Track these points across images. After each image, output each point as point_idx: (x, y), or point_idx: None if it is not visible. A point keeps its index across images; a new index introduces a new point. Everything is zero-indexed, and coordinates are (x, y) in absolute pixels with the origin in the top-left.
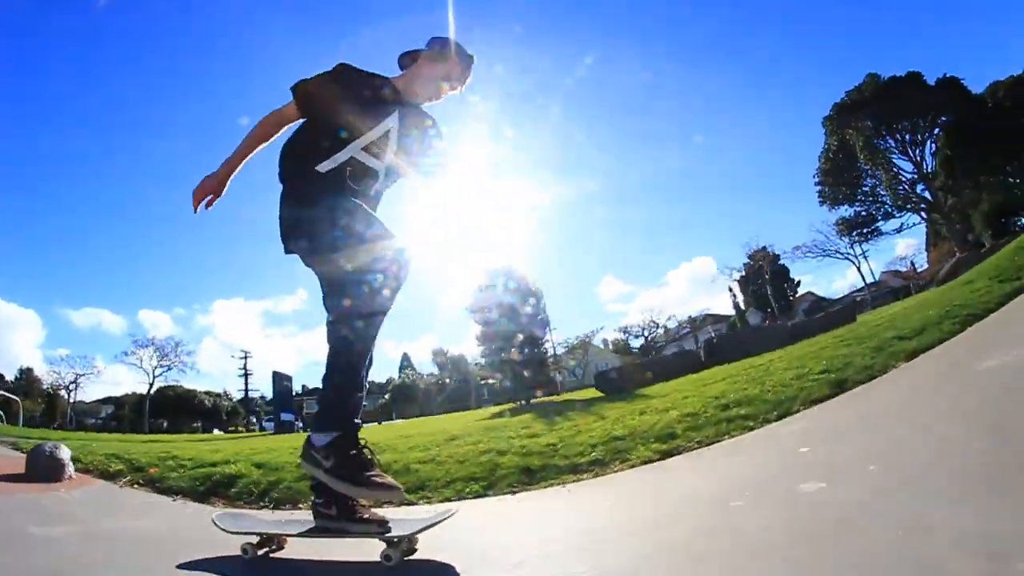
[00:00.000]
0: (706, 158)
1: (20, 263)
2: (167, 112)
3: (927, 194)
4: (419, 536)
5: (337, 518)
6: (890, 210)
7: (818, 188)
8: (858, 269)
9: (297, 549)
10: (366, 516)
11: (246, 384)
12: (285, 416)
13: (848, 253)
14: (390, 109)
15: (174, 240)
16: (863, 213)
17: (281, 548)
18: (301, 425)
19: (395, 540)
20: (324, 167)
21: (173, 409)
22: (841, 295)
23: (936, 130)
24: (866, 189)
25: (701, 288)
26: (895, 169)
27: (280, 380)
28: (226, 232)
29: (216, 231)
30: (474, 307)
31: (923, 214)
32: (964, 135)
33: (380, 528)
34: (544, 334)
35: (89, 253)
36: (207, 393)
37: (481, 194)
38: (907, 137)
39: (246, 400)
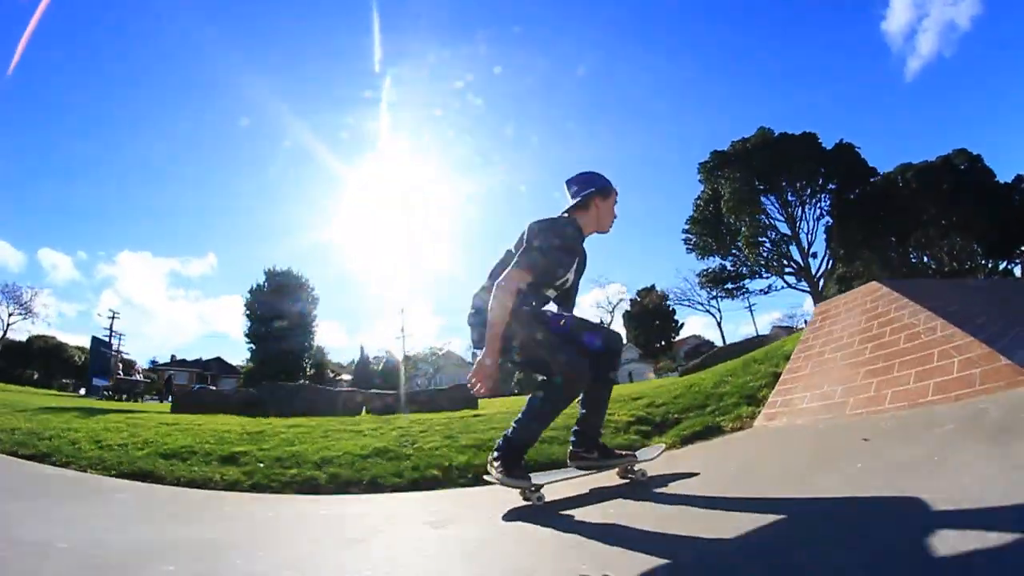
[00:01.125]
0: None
1: None
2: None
3: (798, 258)
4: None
5: (598, 459)
6: (758, 268)
7: (684, 236)
8: (718, 324)
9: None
10: (619, 452)
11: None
12: (98, 381)
13: (708, 306)
14: (579, 248)
15: (89, 173)
16: (730, 268)
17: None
18: (108, 393)
19: (637, 467)
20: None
21: (44, 361)
22: (737, 342)
23: (824, 196)
24: (739, 244)
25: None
26: (765, 228)
27: (98, 345)
28: (146, 177)
29: (136, 174)
30: None
31: (787, 278)
32: (856, 205)
33: (631, 458)
34: None
35: None
36: (79, 348)
37: None
38: (789, 197)
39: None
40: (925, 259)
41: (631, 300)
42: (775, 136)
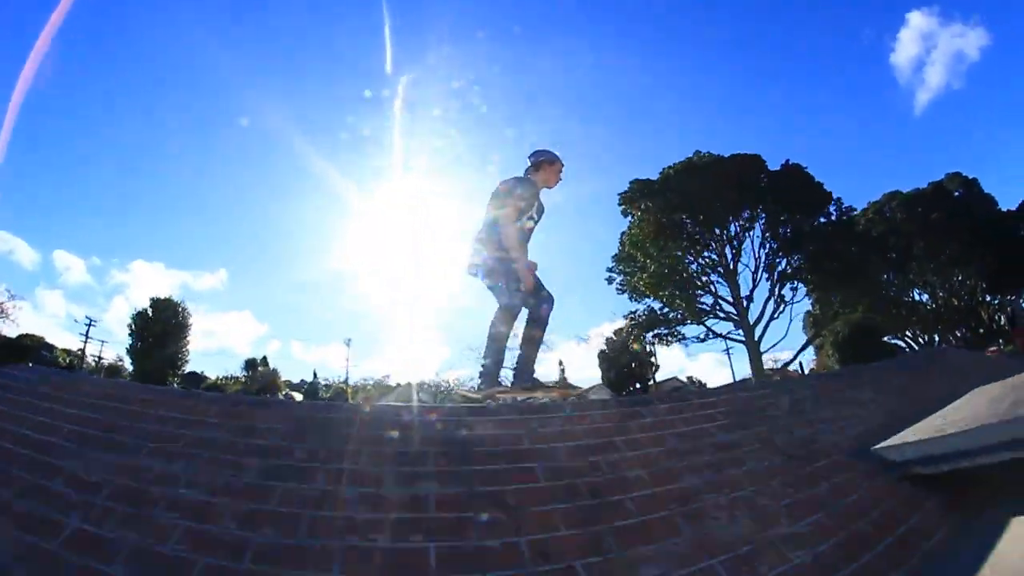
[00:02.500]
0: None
1: None
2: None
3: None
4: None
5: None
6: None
7: (608, 275)
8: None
9: None
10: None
11: (82, 354)
12: None
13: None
14: (537, 199)
15: (110, 181)
16: (658, 311)
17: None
18: None
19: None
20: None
21: (26, 359)
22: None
23: (782, 228)
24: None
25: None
26: (677, 267)
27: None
28: (166, 192)
29: (156, 187)
30: None
31: (716, 325)
32: (828, 238)
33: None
34: None
35: (20, 172)
36: (65, 351)
37: None
38: (732, 229)
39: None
40: (919, 296)
41: (606, 339)
42: (707, 159)
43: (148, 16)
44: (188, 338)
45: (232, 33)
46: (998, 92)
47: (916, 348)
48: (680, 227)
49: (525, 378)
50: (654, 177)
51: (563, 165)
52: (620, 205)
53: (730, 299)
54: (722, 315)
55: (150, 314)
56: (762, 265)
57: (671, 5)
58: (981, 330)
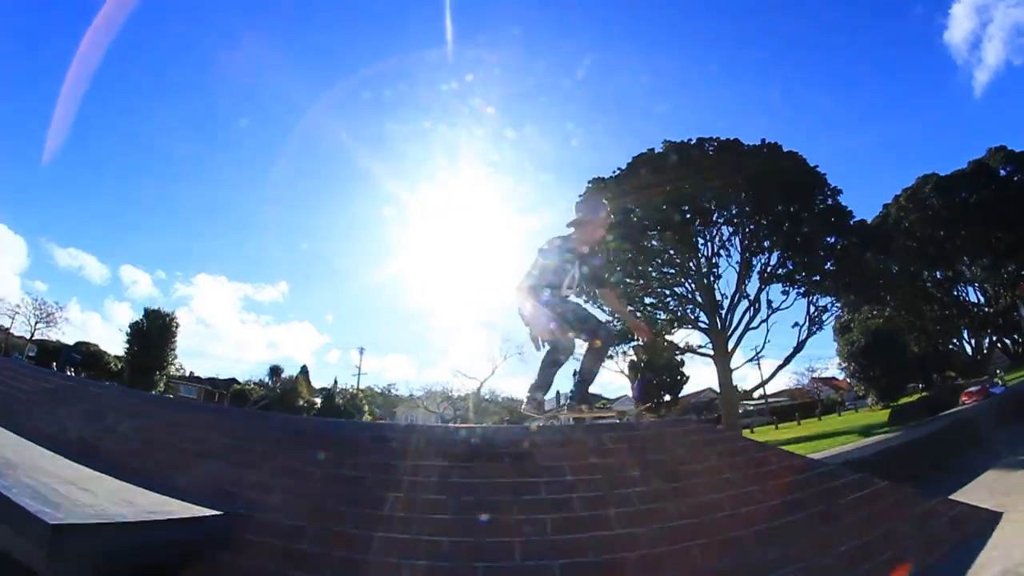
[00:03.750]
0: None
1: (17, 188)
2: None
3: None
4: None
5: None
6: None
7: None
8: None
9: None
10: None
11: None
12: None
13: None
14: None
15: (176, 196)
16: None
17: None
18: None
19: None
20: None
21: (85, 365)
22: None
23: (778, 225)
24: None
25: None
26: (656, 274)
27: (70, 352)
28: (229, 208)
29: (220, 203)
30: None
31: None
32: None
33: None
34: None
35: (91, 190)
36: (117, 357)
37: None
38: (714, 234)
39: None
40: (973, 294)
41: (634, 348)
42: (673, 147)
43: (211, 31)
44: (175, 343)
45: (286, 45)
46: None
47: (969, 353)
48: (638, 228)
49: (581, 398)
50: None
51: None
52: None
53: (702, 305)
54: (695, 325)
55: (143, 323)
56: (737, 265)
57: None
58: None
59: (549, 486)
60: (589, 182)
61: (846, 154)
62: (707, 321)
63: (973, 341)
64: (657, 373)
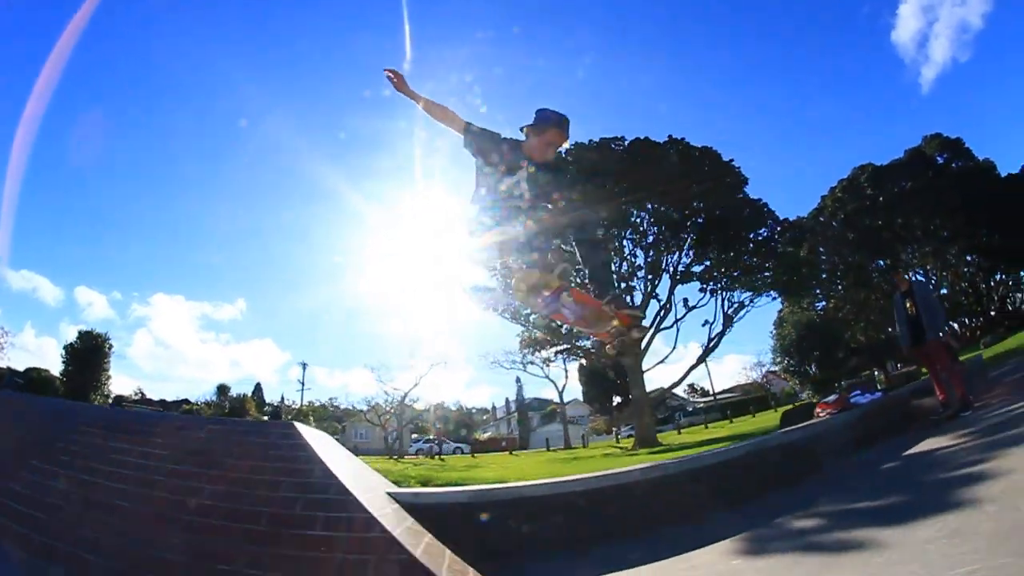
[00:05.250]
0: None
1: None
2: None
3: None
4: None
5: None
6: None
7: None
8: (558, 391)
9: None
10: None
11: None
12: None
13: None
14: (519, 164)
15: (129, 217)
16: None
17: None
18: None
19: None
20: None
21: (31, 389)
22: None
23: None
24: None
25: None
26: None
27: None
28: (182, 224)
29: (172, 219)
30: None
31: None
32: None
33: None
34: None
35: (41, 213)
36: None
37: None
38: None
39: None
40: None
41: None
42: (580, 149)
43: (159, 33)
44: (108, 363)
45: (243, 53)
46: (1007, 59)
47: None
48: None
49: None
50: None
51: (560, 134)
52: None
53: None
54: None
55: (76, 344)
56: (644, 266)
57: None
58: (981, 319)
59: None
60: None
61: (795, 159)
62: None
63: None
64: (603, 374)
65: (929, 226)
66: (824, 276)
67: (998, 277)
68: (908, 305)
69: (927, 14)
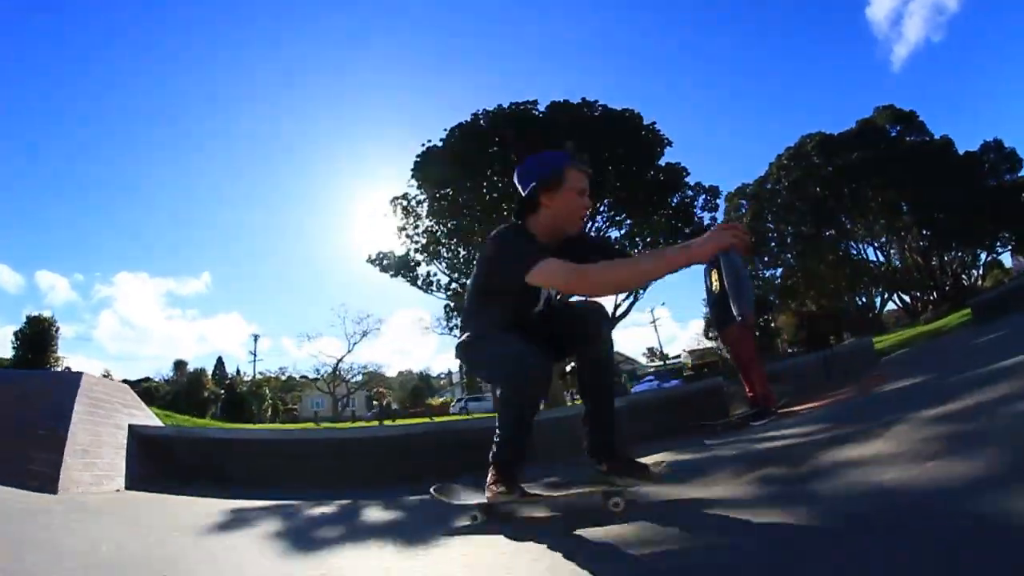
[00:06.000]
0: None
1: None
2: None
3: None
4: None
5: (607, 472)
6: None
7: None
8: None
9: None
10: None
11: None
12: None
13: None
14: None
15: (87, 196)
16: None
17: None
18: None
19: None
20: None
21: None
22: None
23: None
24: None
25: None
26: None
27: None
28: (141, 198)
29: (132, 195)
30: None
31: None
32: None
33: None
34: None
35: None
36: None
37: None
38: None
39: None
40: (874, 253)
41: None
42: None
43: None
44: (56, 346)
45: (205, 24)
46: (980, 42)
47: (864, 310)
48: (455, 201)
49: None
50: None
51: (583, 173)
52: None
53: None
54: None
55: (25, 330)
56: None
57: None
58: (933, 294)
59: None
60: (419, 156)
61: (756, 128)
62: None
63: (863, 298)
64: None
65: (879, 198)
66: (773, 244)
67: (953, 253)
68: (713, 279)
69: None
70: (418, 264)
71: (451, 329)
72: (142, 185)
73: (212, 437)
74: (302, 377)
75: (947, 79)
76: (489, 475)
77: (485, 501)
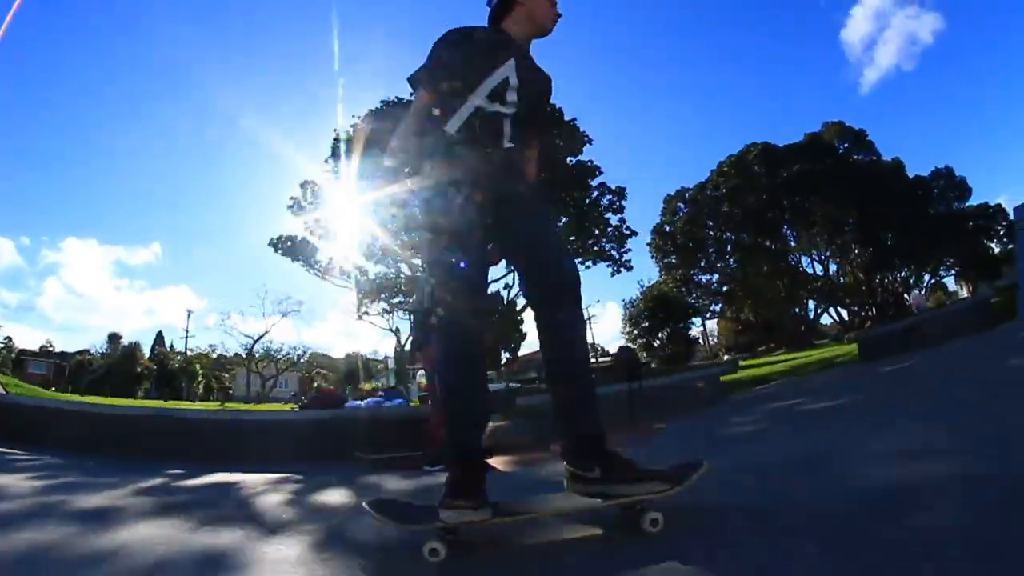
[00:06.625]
0: None
1: None
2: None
3: None
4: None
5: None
6: None
7: None
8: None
9: None
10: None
11: None
12: None
13: None
14: (504, 56)
15: (32, 155)
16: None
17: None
18: None
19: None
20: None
21: None
22: None
23: None
24: None
25: None
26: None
27: None
28: (93, 160)
29: (83, 154)
30: None
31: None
32: None
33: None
34: None
35: None
36: None
37: None
38: None
39: None
40: (814, 266)
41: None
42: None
43: None
44: None
45: None
46: (949, 78)
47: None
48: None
49: None
50: None
51: None
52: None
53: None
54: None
55: None
56: None
57: None
58: (873, 311)
59: None
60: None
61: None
62: None
63: (797, 310)
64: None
65: (819, 213)
66: (712, 251)
67: (897, 273)
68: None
69: (879, 20)
70: (316, 250)
71: (361, 317)
72: (92, 142)
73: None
74: (235, 355)
75: (912, 108)
76: (445, 484)
77: (443, 523)
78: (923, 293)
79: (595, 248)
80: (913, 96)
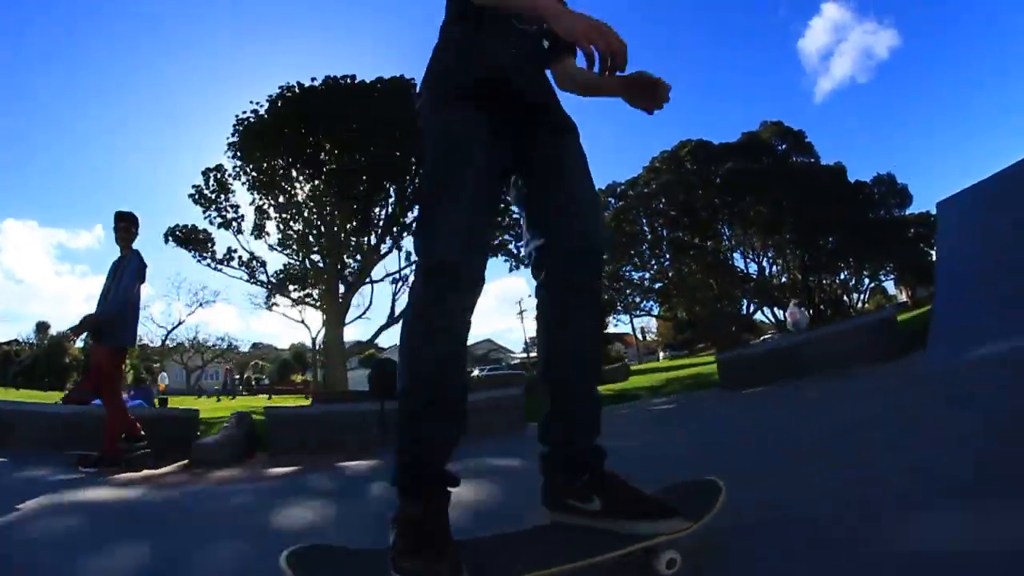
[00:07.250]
0: None
1: None
2: None
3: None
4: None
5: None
6: None
7: None
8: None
9: None
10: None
11: None
12: None
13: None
14: None
15: None
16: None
17: None
18: None
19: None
20: None
21: None
22: None
23: None
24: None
25: None
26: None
27: None
28: (31, 136)
29: (19, 130)
30: None
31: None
32: None
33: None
34: None
35: None
36: None
37: None
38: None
39: None
40: (745, 264)
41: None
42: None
43: None
44: None
45: None
46: (902, 91)
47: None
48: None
49: None
50: None
51: None
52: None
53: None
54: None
55: None
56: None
57: None
58: (810, 311)
59: None
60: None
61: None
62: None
63: (731, 308)
64: None
65: (751, 212)
66: (645, 247)
67: (842, 276)
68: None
69: (837, 32)
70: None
71: (271, 308)
72: (32, 118)
73: None
74: (162, 344)
75: (863, 118)
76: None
77: None
78: (802, 308)
79: (493, 242)
80: (865, 107)
